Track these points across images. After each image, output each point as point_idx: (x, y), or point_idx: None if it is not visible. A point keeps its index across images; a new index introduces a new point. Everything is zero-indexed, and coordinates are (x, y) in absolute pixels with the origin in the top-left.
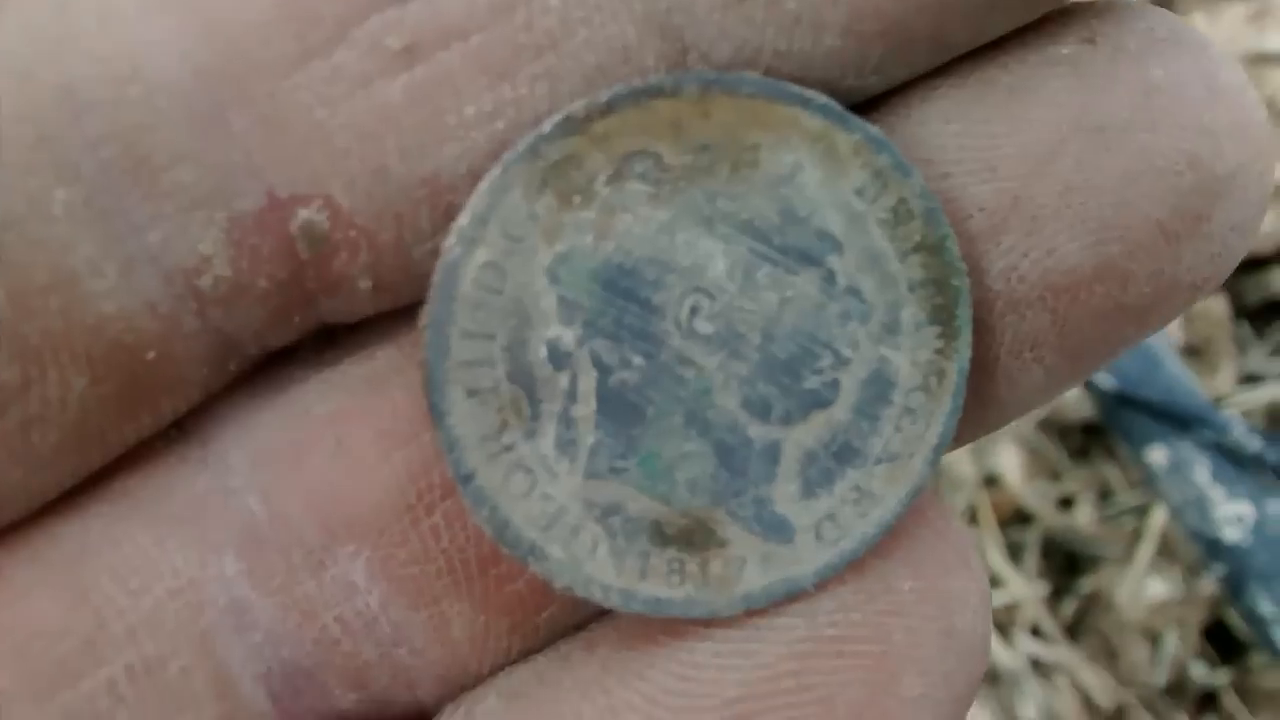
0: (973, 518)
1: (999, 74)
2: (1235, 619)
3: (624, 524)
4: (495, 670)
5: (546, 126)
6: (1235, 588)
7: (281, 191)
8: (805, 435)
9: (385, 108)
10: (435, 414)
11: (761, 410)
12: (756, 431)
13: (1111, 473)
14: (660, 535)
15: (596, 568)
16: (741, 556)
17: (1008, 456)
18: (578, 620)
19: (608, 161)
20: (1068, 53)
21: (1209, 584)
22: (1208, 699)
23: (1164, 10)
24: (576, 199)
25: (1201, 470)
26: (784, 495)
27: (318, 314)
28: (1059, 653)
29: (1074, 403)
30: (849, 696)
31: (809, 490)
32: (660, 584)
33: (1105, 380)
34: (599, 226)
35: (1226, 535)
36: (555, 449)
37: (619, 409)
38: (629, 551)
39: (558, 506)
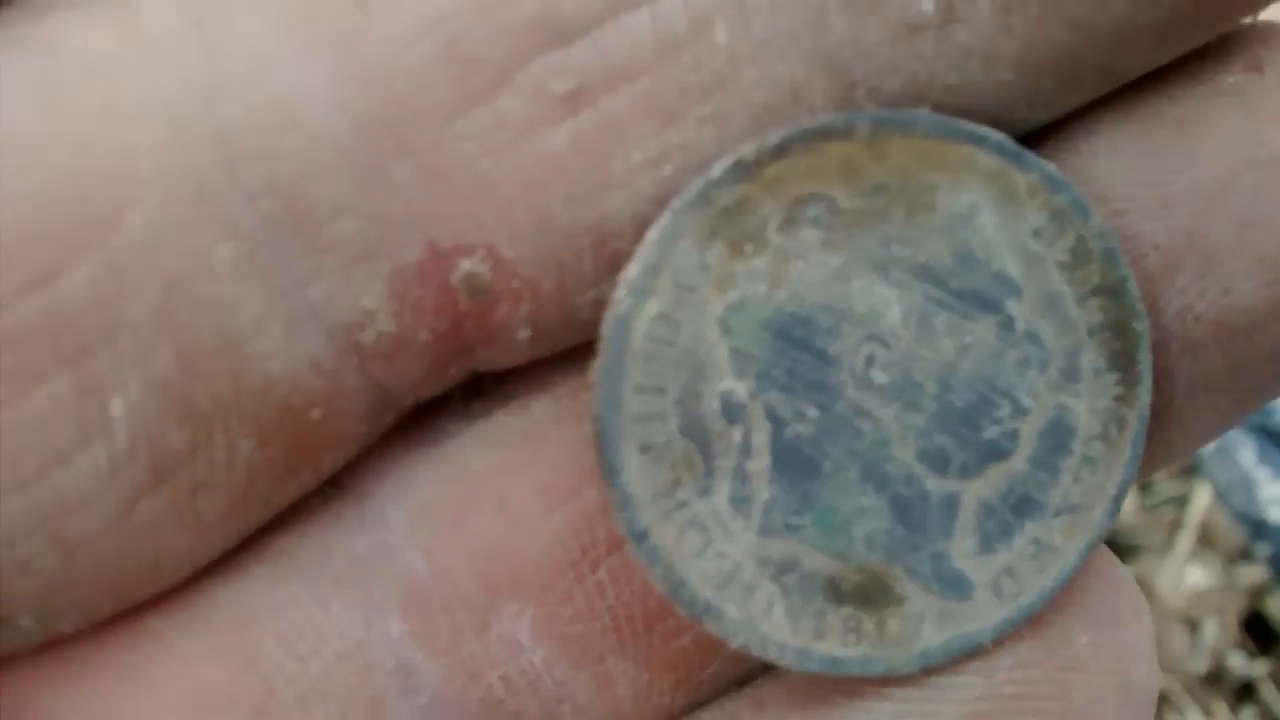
0: None
1: (1166, 106)
2: (1274, 610)
3: (799, 582)
4: None
5: (716, 171)
6: None
7: (444, 243)
8: (983, 488)
9: (550, 156)
10: (608, 471)
11: (939, 463)
12: (934, 485)
13: None
14: (836, 593)
15: (772, 627)
16: (919, 614)
17: None
18: (742, 675)
19: (779, 207)
20: (1234, 81)
21: (1248, 574)
22: (1246, 689)
23: None
24: (748, 247)
25: (1247, 452)
26: (961, 550)
27: (473, 364)
28: None
29: None
30: None
31: (987, 545)
32: (836, 643)
33: None
34: (772, 275)
35: (1272, 516)
36: (730, 505)
37: (794, 463)
38: (805, 610)
39: (733, 564)
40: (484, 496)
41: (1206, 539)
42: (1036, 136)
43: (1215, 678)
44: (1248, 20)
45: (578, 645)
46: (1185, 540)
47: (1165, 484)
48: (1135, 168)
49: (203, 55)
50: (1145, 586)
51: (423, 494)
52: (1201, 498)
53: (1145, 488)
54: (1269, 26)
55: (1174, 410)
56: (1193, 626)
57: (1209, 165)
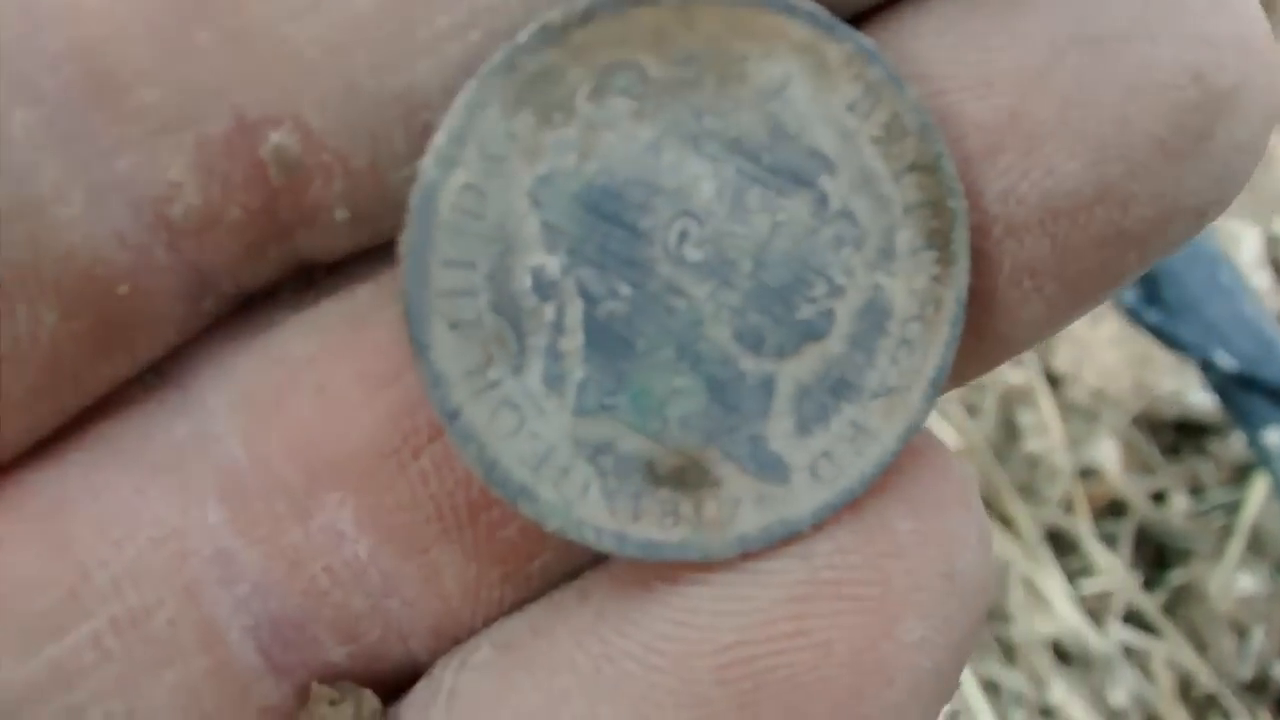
0: (1068, 507)
1: None
2: None
3: (615, 463)
4: (489, 621)
5: (523, 37)
6: None
7: (251, 113)
8: (799, 369)
9: (354, 19)
10: (417, 348)
11: (754, 342)
12: (749, 365)
13: (1204, 469)
14: (653, 475)
15: (588, 510)
16: (736, 497)
17: (1106, 449)
18: (571, 568)
19: (588, 74)
20: None
21: None
22: None
23: None
24: (557, 116)
25: None
26: (778, 432)
27: (295, 249)
28: (1153, 640)
29: (1168, 400)
30: (848, 641)
31: (804, 427)
32: (654, 526)
33: (1225, 361)
34: (582, 145)
35: None
36: (543, 384)
37: (608, 341)
38: (621, 492)
39: (547, 445)
40: (303, 383)
41: (1257, 546)
42: (864, 17)
43: (1259, 685)
44: None
45: (403, 535)
46: (1236, 546)
47: (1217, 490)
48: (959, 45)
49: None
50: (1196, 591)
51: (244, 381)
52: (1253, 504)
53: (1196, 492)
54: None
55: (999, 296)
56: (1240, 633)
57: (1033, 43)
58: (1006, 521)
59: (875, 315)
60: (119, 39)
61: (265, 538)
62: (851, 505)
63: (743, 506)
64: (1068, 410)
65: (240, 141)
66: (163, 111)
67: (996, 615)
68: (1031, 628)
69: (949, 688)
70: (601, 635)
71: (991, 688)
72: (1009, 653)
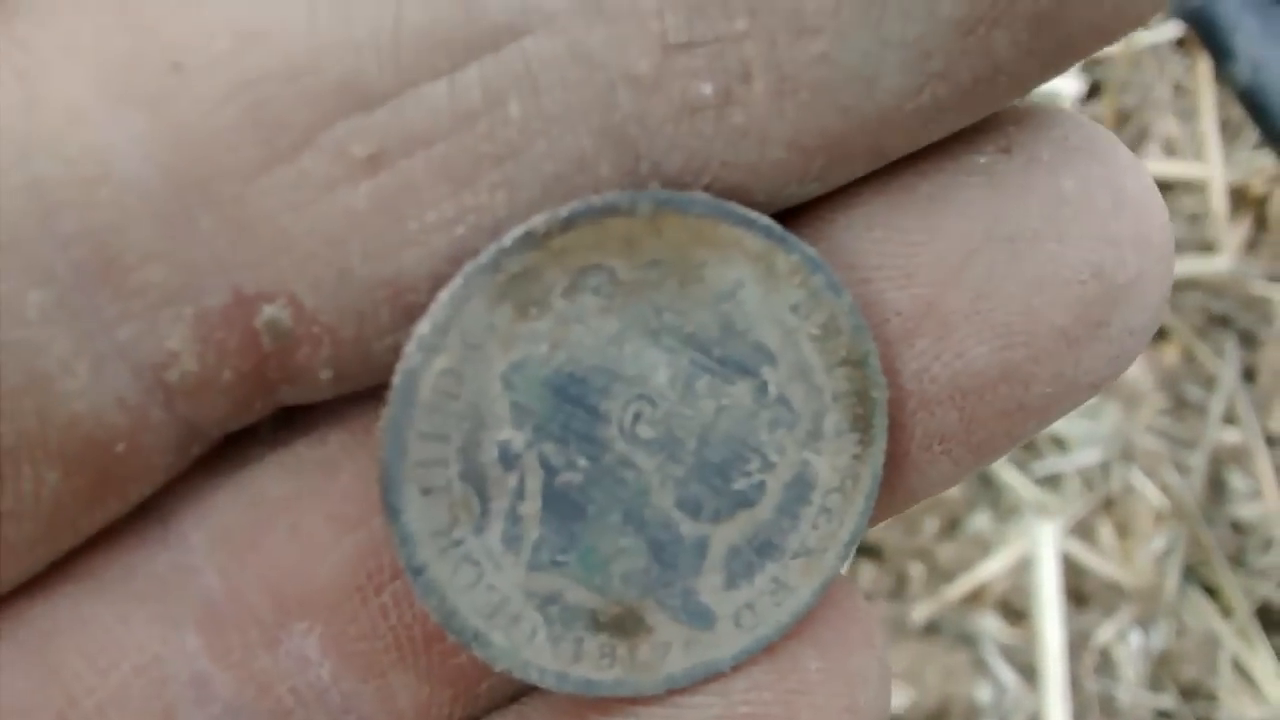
0: None
1: (919, 182)
2: None
3: (561, 612)
4: None
5: (508, 241)
6: None
7: (247, 289)
8: (731, 532)
9: (349, 213)
10: (390, 511)
11: (693, 509)
12: (688, 529)
13: None
14: (594, 623)
15: (534, 652)
16: (667, 642)
17: None
18: (515, 690)
19: (564, 275)
20: (984, 161)
21: None
22: None
23: (1079, 117)
24: (533, 310)
25: None
26: (708, 586)
27: (278, 400)
28: None
29: None
30: None
31: (732, 582)
32: (592, 667)
33: None
34: (553, 337)
35: None
36: (501, 543)
37: (562, 507)
38: (565, 637)
39: (501, 596)
40: (277, 522)
41: None
42: (804, 207)
43: None
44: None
45: (363, 661)
46: None
47: None
48: (884, 239)
49: (22, 107)
50: None
51: (222, 518)
52: None
53: None
54: (1024, 109)
55: (910, 460)
56: None
57: (951, 239)
58: (1213, 593)
59: (801, 487)
60: (127, 223)
61: (238, 662)
62: (768, 648)
63: (672, 650)
64: None
65: (236, 314)
66: (165, 288)
67: (1201, 695)
68: (1239, 711)
69: None
70: None
71: None
72: None
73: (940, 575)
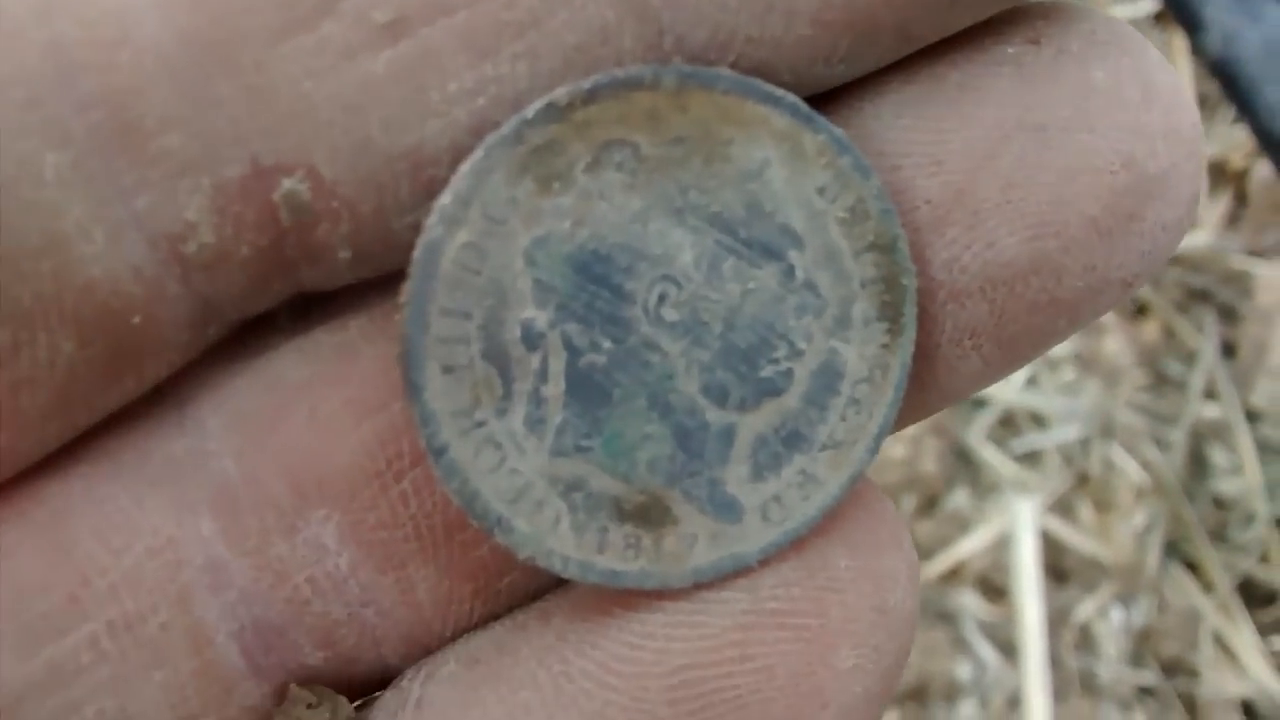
0: (1264, 556)
1: (949, 71)
2: None
3: (585, 500)
4: (458, 633)
5: (530, 112)
6: None
7: (266, 160)
8: (758, 421)
9: (370, 81)
10: (412, 389)
11: (719, 396)
12: (714, 416)
13: None
14: (619, 511)
15: (558, 540)
16: (693, 533)
17: None
18: (537, 588)
19: (587, 149)
20: (1013, 52)
21: None
22: None
23: (1107, 14)
24: (556, 185)
25: None
26: (735, 477)
27: (297, 281)
28: None
29: None
30: (788, 667)
31: (758, 473)
32: (616, 557)
33: None
34: (576, 213)
35: None
36: (524, 426)
37: (586, 390)
38: (589, 526)
39: (524, 481)
40: (296, 406)
41: None
42: (834, 94)
43: None
44: None
45: (382, 551)
46: None
47: None
48: (913, 126)
49: None
50: None
51: (240, 403)
52: None
53: None
54: (1051, 5)
55: (940, 354)
56: None
57: (982, 127)
58: (1195, 568)
59: (829, 376)
60: (146, 87)
61: (254, 549)
62: (796, 544)
63: (698, 542)
64: (1266, 450)
65: (254, 186)
66: (183, 156)
67: (1182, 671)
68: (1220, 686)
69: (877, 713)
70: (562, 655)
71: None
72: (1194, 712)
73: (919, 553)
